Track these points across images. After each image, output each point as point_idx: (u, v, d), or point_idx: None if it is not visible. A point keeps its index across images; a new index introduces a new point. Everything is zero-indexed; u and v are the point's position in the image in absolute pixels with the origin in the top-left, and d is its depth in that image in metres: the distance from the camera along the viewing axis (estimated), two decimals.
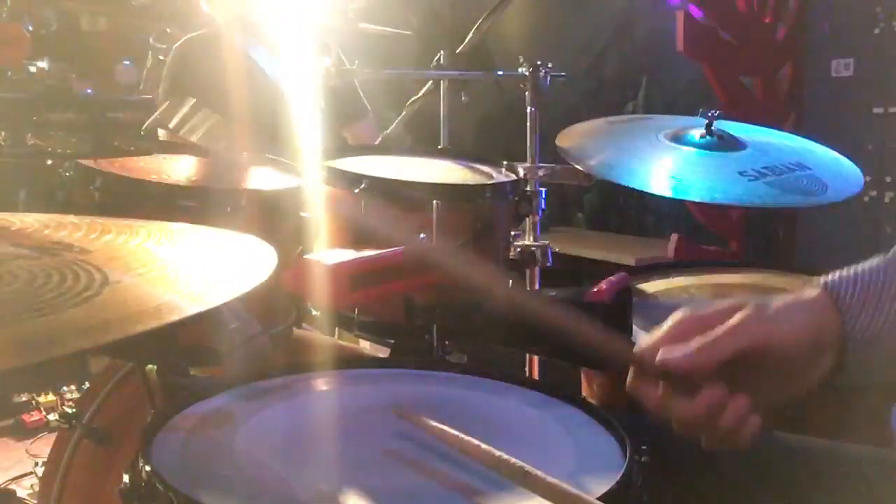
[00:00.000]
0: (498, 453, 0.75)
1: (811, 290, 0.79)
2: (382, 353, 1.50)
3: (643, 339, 0.80)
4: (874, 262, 0.80)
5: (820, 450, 1.02)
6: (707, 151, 1.52)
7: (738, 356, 0.75)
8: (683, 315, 0.79)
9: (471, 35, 1.84)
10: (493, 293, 0.99)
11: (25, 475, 2.79)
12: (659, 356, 0.77)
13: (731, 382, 0.76)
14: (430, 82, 1.90)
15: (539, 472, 0.71)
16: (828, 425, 1.18)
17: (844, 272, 0.80)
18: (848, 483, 0.93)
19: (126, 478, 0.77)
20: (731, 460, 0.98)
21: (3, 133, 1.08)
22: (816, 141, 1.65)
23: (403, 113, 2.02)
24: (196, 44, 2.41)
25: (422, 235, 1.36)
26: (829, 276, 0.80)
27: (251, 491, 0.75)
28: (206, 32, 2.42)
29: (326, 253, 1.19)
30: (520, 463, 0.73)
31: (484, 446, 0.77)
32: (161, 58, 2.75)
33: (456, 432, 0.81)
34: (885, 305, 0.76)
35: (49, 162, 1.21)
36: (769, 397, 0.78)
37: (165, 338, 1.06)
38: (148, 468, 0.75)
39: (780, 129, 1.77)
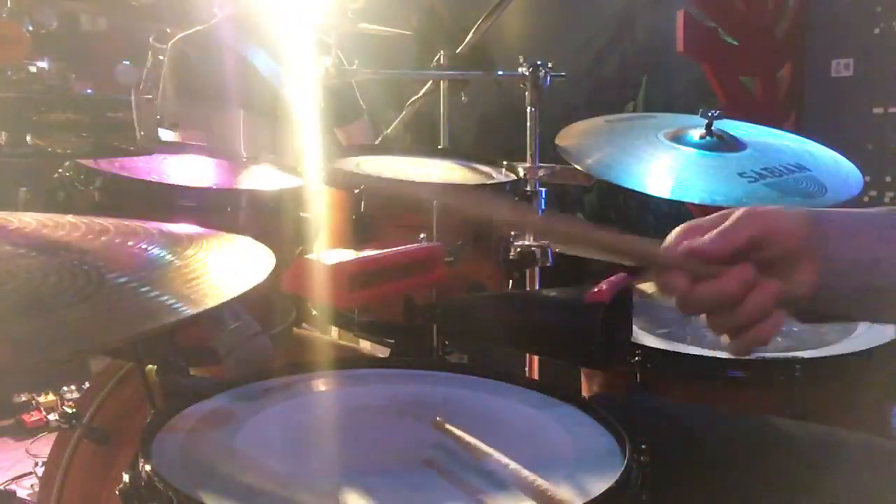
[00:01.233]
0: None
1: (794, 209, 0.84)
2: (382, 353, 1.50)
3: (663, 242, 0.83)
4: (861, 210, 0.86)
5: (818, 437, 1.02)
6: (707, 152, 1.51)
7: (748, 244, 0.79)
8: (686, 224, 0.83)
9: (471, 35, 1.84)
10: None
11: (25, 475, 2.79)
12: (683, 245, 0.80)
13: None
14: (430, 82, 1.90)
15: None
16: (828, 423, 1.18)
17: (828, 209, 0.84)
18: (846, 470, 0.94)
19: (126, 477, 0.77)
20: (731, 459, 0.98)
21: (3, 133, 1.08)
22: (816, 141, 1.65)
23: (403, 113, 2.02)
24: (190, 42, 2.41)
25: (422, 235, 1.36)
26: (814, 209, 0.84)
27: (251, 491, 0.75)
28: (201, 30, 2.42)
29: (326, 253, 1.19)
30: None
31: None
32: (161, 58, 2.75)
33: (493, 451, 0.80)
34: (869, 242, 0.80)
35: (49, 162, 1.21)
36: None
37: (165, 338, 1.06)
38: (148, 468, 0.75)
39: (781, 129, 1.77)
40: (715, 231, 0.80)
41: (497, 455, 0.78)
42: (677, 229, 0.83)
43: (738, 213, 0.81)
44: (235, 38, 2.27)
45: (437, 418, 0.86)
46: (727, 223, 0.80)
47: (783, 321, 0.80)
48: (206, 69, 2.27)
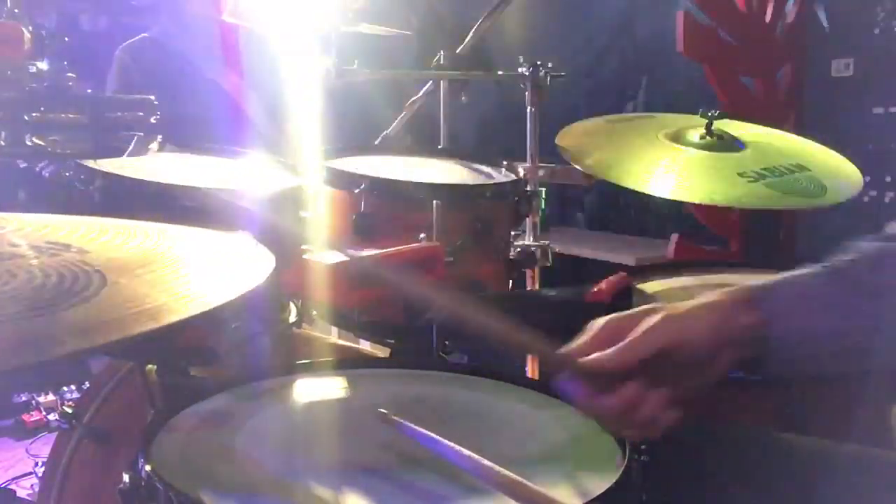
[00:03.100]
0: (478, 459, 0.76)
1: (717, 293, 0.89)
2: (382, 353, 1.50)
3: (572, 345, 0.86)
4: (806, 271, 0.91)
5: (816, 449, 1.02)
6: (707, 152, 1.51)
7: (655, 354, 0.83)
8: (604, 321, 0.87)
9: (471, 35, 1.84)
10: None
11: (25, 475, 2.79)
12: (584, 360, 0.84)
13: (651, 378, 0.83)
14: (430, 82, 1.90)
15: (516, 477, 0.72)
16: (828, 426, 1.18)
17: (772, 280, 0.90)
18: (844, 483, 0.94)
19: (126, 477, 0.78)
20: (729, 459, 0.98)
21: (3, 133, 1.08)
22: (816, 141, 1.65)
23: (403, 113, 2.02)
24: (131, 50, 2.44)
25: (422, 235, 1.36)
26: (755, 283, 0.89)
27: (251, 491, 0.75)
28: (146, 37, 2.44)
29: (326, 253, 1.19)
30: (498, 469, 0.74)
31: (465, 452, 0.77)
32: None
33: (440, 438, 0.80)
34: (813, 314, 0.87)
35: (49, 162, 1.21)
36: (685, 388, 0.86)
37: (164, 338, 1.06)
38: (148, 467, 0.75)
39: (781, 129, 1.76)
40: (622, 344, 0.83)
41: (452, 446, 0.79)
42: (597, 326, 0.86)
43: (654, 319, 0.84)
44: (179, 44, 2.28)
45: (381, 410, 0.87)
46: (638, 332, 0.84)
47: (676, 418, 0.84)
48: (142, 79, 2.30)
